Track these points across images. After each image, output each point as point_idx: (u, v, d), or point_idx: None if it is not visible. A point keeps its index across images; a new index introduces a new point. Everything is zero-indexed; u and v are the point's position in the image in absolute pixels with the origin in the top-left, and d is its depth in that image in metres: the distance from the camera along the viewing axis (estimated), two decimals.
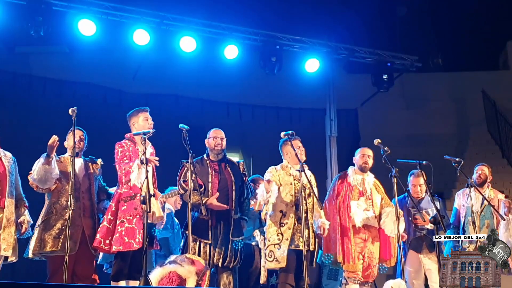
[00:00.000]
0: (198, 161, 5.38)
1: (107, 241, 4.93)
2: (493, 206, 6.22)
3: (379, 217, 5.71)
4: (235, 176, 5.44)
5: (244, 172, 5.57)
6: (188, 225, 5.02)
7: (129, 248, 4.88)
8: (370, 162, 5.83)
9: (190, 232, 5.03)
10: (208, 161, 5.46)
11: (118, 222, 4.97)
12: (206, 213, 5.05)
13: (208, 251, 5.18)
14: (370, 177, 5.84)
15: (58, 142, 4.92)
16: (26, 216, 5.06)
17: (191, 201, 5.05)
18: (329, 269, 5.86)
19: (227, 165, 5.49)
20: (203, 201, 5.05)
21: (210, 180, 5.33)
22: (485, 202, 6.23)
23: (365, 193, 5.72)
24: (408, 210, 6.14)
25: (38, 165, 4.93)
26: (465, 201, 6.30)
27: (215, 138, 5.49)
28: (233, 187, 5.39)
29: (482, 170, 6.42)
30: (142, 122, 5.24)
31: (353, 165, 5.90)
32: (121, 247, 4.88)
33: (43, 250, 4.96)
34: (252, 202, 6.28)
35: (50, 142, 4.86)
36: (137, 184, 4.92)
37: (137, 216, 4.96)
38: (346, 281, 5.52)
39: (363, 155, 5.81)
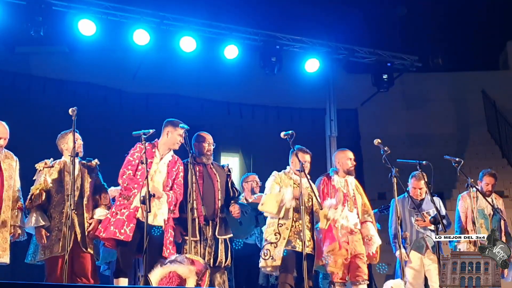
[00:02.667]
0: (184, 164, 5.38)
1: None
2: (495, 209, 6.24)
3: (362, 219, 5.74)
4: (220, 177, 5.50)
5: (229, 173, 5.60)
6: (188, 226, 5.06)
7: (112, 236, 4.92)
8: (354, 163, 5.86)
9: (190, 233, 5.05)
10: (193, 163, 5.47)
11: (113, 214, 5.07)
12: (206, 213, 5.08)
13: (199, 250, 5.19)
14: (351, 179, 5.85)
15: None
16: (19, 221, 5.00)
17: (191, 201, 5.06)
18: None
19: (212, 166, 5.54)
20: (202, 202, 5.07)
21: (194, 180, 5.32)
22: (494, 204, 6.28)
23: (349, 195, 5.74)
24: (410, 211, 6.15)
25: (29, 224, 5.00)
26: (474, 204, 6.29)
27: (208, 143, 5.54)
28: (218, 187, 5.44)
29: (490, 181, 6.42)
30: (177, 137, 5.26)
31: (333, 168, 5.92)
32: (104, 234, 4.96)
33: (47, 257, 4.96)
34: (254, 197, 6.30)
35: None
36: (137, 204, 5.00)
37: (131, 211, 5.00)
38: (333, 285, 5.50)
39: (350, 159, 5.83)
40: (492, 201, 6.30)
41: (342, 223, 5.52)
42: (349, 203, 5.68)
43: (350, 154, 5.86)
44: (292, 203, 5.36)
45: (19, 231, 4.99)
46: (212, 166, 5.54)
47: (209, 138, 5.57)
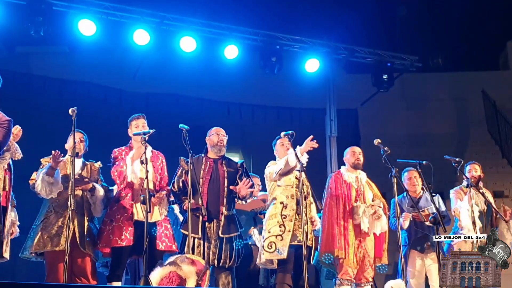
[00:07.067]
0: (195, 159, 5.34)
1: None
2: (493, 206, 6.24)
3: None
4: (229, 172, 5.42)
5: (240, 168, 5.51)
6: (186, 224, 5.08)
7: (114, 245, 4.98)
8: (362, 158, 5.84)
9: (190, 232, 5.04)
10: (204, 158, 5.48)
11: (107, 222, 5.13)
12: (205, 214, 5.06)
13: (202, 250, 5.14)
14: (362, 175, 5.85)
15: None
16: (13, 218, 5.00)
17: (190, 201, 5.04)
18: (327, 269, 5.83)
19: (223, 162, 5.49)
20: (201, 202, 5.06)
21: (202, 175, 5.33)
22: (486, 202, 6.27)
23: (360, 190, 5.73)
24: (408, 209, 6.14)
25: (41, 178, 4.96)
26: (467, 202, 6.27)
27: (218, 134, 5.51)
28: (225, 184, 5.35)
29: (475, 170, 6.46)
30: (134, 130, 5.35)
31: (344, 164, 5.93)
32: (105, 244, 5.03)
33: (44, 250, 4.96)
34: (254, 198, 6.28)
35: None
36: (134, 180, 5.12)
37: (125, 215, 5.06)
38: (340, 282, 5.49)
39: (354, 153, 5.83)
40: (484, 194, 6.27)
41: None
42: (361, 198, 5.69)
43: (356, 149, 5.89)
44: (297, 164, 5.26)
45: (13, 228, 5.00)
46: (223, 162, 5.48)
47: (219, 130, 5.56)
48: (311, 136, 5.33)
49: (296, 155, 5.26)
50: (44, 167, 5.08)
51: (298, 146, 5.37)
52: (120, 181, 5.20)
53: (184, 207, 5.23)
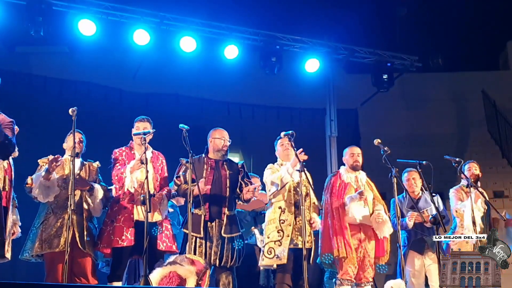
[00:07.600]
0: (195, 159, 5.32)
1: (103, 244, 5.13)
2: (491, 205, 6.24)
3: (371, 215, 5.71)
4: (230, 174, 5.41)
5: (241, 169, 5.50)
6: (187, 224, 5.06)
7: (115, 245, 5.00)
8: (360, 160, 5.83)
9: (190, 231, 5.03)
10: (205, 159, 5.46)
11: (108, 223, 5.15)
12: (206, 213, 5.06)
13: (203, 250, 5.12)
14: (362, 175, 5.85)
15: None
16: (14, 218, 4.99)
17: (190, 201, 5.04)
18: (331, 269, 5.84)
19: (224, 163, 5.48)
20: (203, 201, 5.05)
21: (204, 175, 5.31)
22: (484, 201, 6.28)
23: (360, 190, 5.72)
24: (407, 210, 6.14)
25: (38, 182, 4.96)
26: (467, 201, 6.27)
27: (223, 139, 5.48)
28: (227, 184, 5.35)
29: (474, 168, 6.46)
30: (134, 131, 5.36)
31: (344, 165, 5.92)
32: (105, 245, 5.05)
33: (45, 251, 4.96)
34: (254, 198, 6.28)
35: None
36: (130, 189, 5.13)
37: (126, 215, 5.09)
38: (341, 282, 5.50)
39: (352, 154, 5.82)
40: (483, 194, 6.27)
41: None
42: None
43: (354, 150, 5.88)
44: (290, 179, 5.34)
45: (15, 228, 4.99)
46: (224, 163, 5.46)
47: (224, 134, 5.52)
48: (301, 149, 5.32)
49: (294, 167, 5.29)
50: (41, 170, 5.08)
51: (288, 163, 5.40)
52: (119, 186, 5.22)
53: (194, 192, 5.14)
